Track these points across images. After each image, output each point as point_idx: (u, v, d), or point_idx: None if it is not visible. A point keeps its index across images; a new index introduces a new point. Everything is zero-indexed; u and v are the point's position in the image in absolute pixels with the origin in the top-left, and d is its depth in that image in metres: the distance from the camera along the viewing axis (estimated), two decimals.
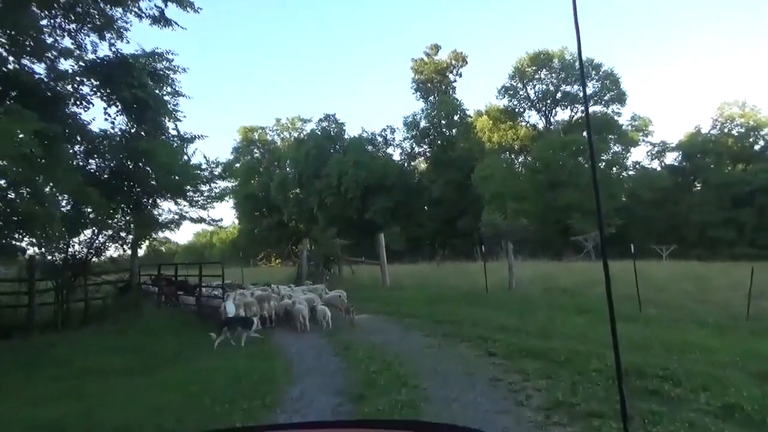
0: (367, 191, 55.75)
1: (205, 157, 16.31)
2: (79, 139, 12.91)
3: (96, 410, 6.89)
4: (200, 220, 16.37)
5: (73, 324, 13.49)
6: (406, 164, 63.14)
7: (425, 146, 61.53)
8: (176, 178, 13.57)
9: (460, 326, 11.33)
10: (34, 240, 11.00)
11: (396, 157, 63.41)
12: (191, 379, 8.14)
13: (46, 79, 12.92)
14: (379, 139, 62.74)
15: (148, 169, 13.38)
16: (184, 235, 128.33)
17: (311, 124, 68.34)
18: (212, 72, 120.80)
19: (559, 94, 55.27)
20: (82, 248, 14.34)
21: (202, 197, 15.79)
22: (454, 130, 60.12)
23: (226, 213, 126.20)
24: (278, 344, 11.18)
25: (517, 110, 58.99)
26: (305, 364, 9.16)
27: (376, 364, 8.51)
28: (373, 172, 55.73)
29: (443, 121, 59.18)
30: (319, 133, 63.84)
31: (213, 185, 15.83)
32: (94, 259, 15.25)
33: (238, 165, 74.47)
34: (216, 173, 15.94)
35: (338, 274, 21.77)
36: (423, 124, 60.19)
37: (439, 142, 59.59)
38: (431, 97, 61.40)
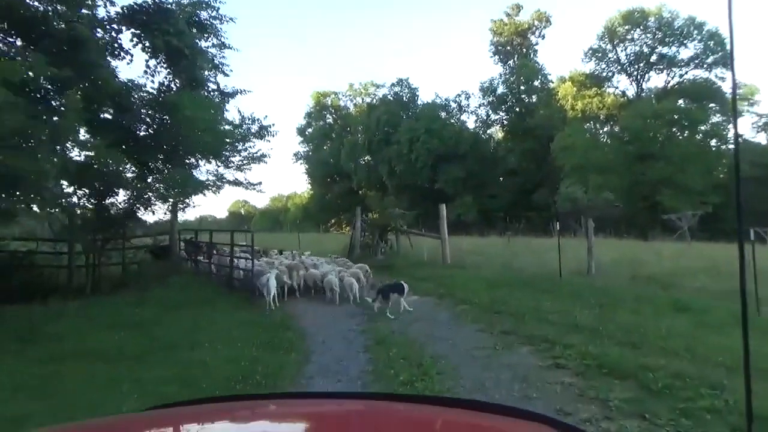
0: (439, 160, 53.43)
1: (240, 112, 14.78)
2: (103, 90, 11.69)
3: (48, 413, 5.54)
4: (237, 183, 15.02)
5: (104, 289, 12.55)
6: (480, 132, 60.02)
7: (502, 113, 58.11)
8: (200, 134, 12.11)
9: (524, 321, 9.25)
10: (29, 199, 9.93)
11: (470, 124, 60.54)
12: (180, 376, 6.67)
13: (63, 23, 11.71)
14: (453, 105, 59.91)
15: (179, 125, 12.03)
16: (261, 200, 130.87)
17: (384, 89, 66.37)
18: (286, 34, 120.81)
19: (653, 57, 50.04)
20: (116, 209, 13.31)
21: (238, 157, 14.38)
22: (533, 97, 56.33)
23: (299, 178, 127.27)
24: (303, 329, 9.58)
25: (605, 74, 54.13)
26: (324, 360, 7.50)
27: (409, 370, 6.70)
28: (446, 139, 53.26)
29: (522, 87, 55.49)
30: (391, 98, 61.73)
31: (248, 144, 14.36)
32: (131, 221, 14.27)
33: (310, 130, 74.51)
34: (252, 131, 14.40)
35: (395, 247, 19.99)
36: (500, 89, 56.75)
37: (517, 109, 56.06)
38: (510, 62, 57.67)
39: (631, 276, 14.35)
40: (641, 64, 51.82)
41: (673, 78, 50.20)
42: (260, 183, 15.71)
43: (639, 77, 53.06)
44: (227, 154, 14.12)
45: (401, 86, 62.34)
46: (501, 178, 55.60)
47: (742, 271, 1.65)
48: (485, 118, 59.64)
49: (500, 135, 59.87)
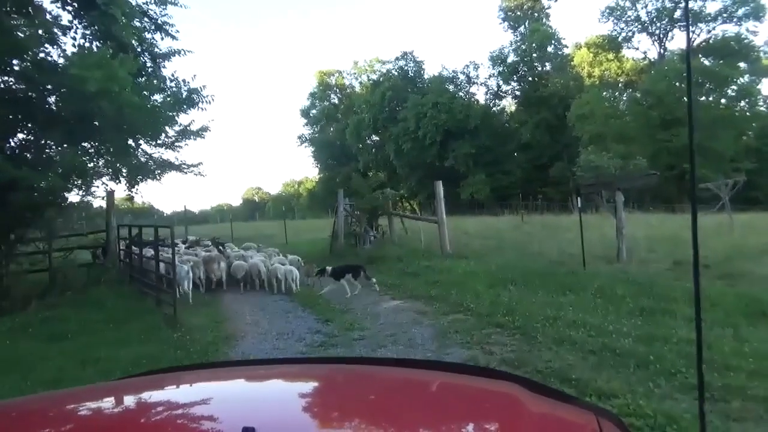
0: (448, 136, 50.31)
1: (172, 78, 11.85)
2: None
3: None
4: (169, 165, 12.24)
5: (7, 307, 9.95)
6: (491, 104, 56.59)
7: (514, 84, 54.52)
8: (107, 104, 9.26)
9: (536, 343, 6.46)
10: None
11: (480, 97, 57.07)
12: None
13: None
14: (461, 77, 56.34)
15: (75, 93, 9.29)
16: (274, 186, 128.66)
17: (390, 65, 62.98)
18: (285, 12, 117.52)
19: (677, 12, 46.00)
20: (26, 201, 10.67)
21: (171, 132, 11.58)
22: (547, 65, 52.75)
23: (306, 161, 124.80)
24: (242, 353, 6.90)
25: (624, 35, 50.16)
26: None
27: None
28: (454, 114, 50.06)
29: (535, 54, 51.84)
30: (396, 73, 58.49)
31: (176, 114, 11.42)
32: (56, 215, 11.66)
33: (314, 111, 71.59)
34: (182, 98, 11.46)
35: (389, 234, 17.19)
36: (511, 58, 53.13)
37: (530, 78, 52.50)
38: (521, 28, 53.88)
39: (673, 261, 11.39)
40: (663, 22, 47.82)
41: (699, 34, 46.16)
42: (200, 164, 12.75)
43: (661, 36, 49.08)
44: (164, 129, 11.30)
45: (406, 60, 59.08)
46: (515, 153, 52.33)
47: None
48: (496, 89, 56.11)
49: (512, 107, 56.42)
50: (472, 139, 49.63)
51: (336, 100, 72.19)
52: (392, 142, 54.52)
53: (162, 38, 13.31)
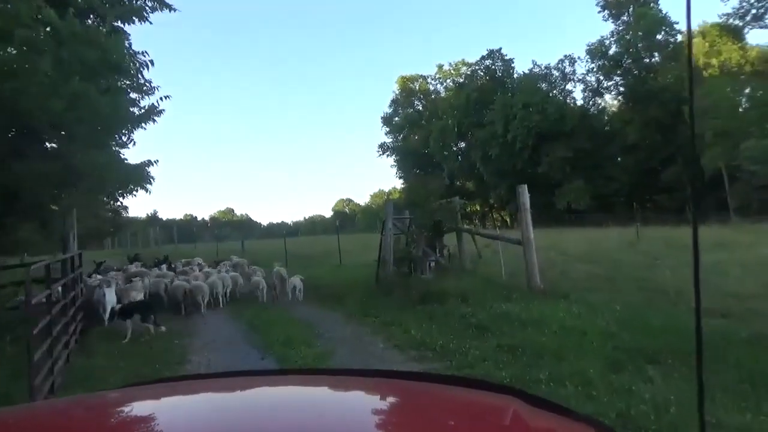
0: (541, 139, 45.31)
1: (128, 48, 8.61)
2: None
3: None
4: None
5: None
6: (590, 103, 50.64)
7: (616, 78, 48.30)
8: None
9: None
10: None
11: (577, 95, 51.33)
12: None
13: None
14: (556, 73, 50.88)
15: None
16: (363, 197, 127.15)
17: (476, 66, 58.55)
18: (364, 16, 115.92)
19: None
20: None
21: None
22: (656, 55, 46.19)
23: (388, 171, 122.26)
24: None
25: (753, 13, 42.62)
26: None
27: None
28: (548, 114, 45.04)
29: (641, 44, 45.61)
30: (482, 73, 54.07)
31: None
32: None
33: (397, 119, 68.59)
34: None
35: (458, 257, 13.09)
36: (614, 49, 47.15)
37: (635, 71, 46.25)
38: (624, 15, 47.76)
39: None
40: None
41: None
42: (156, 161, 9.55)
43: None
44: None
45: (493, 59, 54.53)
46: (618, 157, 46.24)
47: None
48: (595, 85, 50.06)
49: (615, 104, 50.20)
50: (569, 141, 44.29)
51: (420, 107, 68.81)
52: (478, 147, 50.30)
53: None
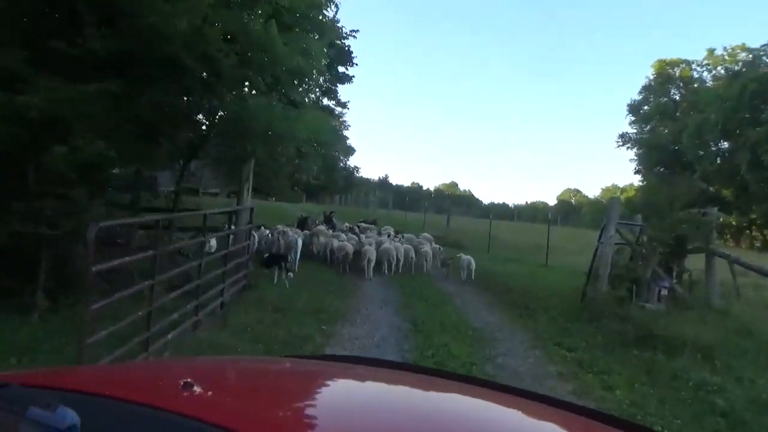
0: None
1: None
2: None
3: None
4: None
5: None
6: None
7: None
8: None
9: None
10: None
11: None
12: None
13: None
14: None
15: None
16: (592, 189, 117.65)
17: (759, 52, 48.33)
18: None
19: None
20: None
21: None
22: None
23: (625, 165, 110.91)
24: None
25: None
26: None
27: None
28: None
29: None
30: (766, 59, 44.52)
31: None
32: None
33: (646, 107, 60.79)
34: None
35: (703, 288, 9.70)
36: None
37: None
38: None
39: None
40: None
41: None
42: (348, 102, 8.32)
43: None
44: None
45: None
46: None
47: None
48: None
49: None
50: None
51: (677, 96, 59.98)
52: (747, 149, 41.84)
53: None
